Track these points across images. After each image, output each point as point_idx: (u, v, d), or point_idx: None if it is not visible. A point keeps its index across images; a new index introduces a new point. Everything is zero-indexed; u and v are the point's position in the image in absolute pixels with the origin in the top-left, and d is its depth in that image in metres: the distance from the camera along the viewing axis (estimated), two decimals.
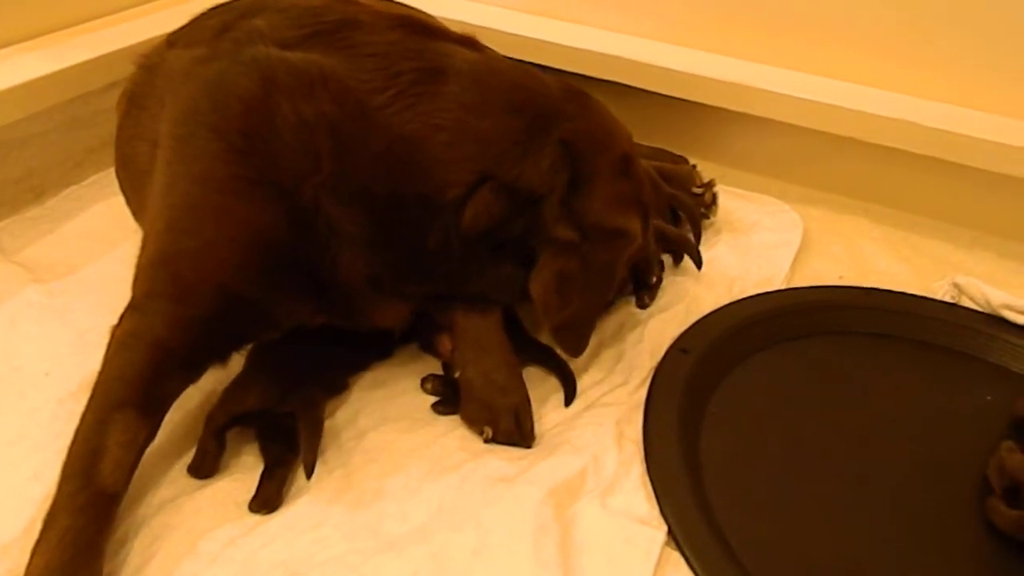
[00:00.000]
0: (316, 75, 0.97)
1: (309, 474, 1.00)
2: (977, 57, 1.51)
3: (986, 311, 1.32)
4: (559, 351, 1.18)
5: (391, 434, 1.09)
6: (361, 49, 1.00)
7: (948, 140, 1.47)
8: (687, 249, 1.39)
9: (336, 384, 1.13)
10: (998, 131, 1.47)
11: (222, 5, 1.14)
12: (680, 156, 1.65)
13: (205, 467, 1.00)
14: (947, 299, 1.36)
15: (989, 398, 1.22)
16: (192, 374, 1.00)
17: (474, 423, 1.09)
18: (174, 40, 1.15)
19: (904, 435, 1.17)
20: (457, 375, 1.12)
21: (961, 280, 1.36)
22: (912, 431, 1.17)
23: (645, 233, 1.11)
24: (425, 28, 1.06)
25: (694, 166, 1.60)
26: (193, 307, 0.97)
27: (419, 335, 1.21)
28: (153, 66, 1.14)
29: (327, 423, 1.09)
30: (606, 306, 1.25)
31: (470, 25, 1.69)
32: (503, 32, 1.71)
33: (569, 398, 1.16)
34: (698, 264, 1.38)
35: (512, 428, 1.07)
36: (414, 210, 1.00)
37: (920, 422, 1.19)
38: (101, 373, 0.94)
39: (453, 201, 0.99)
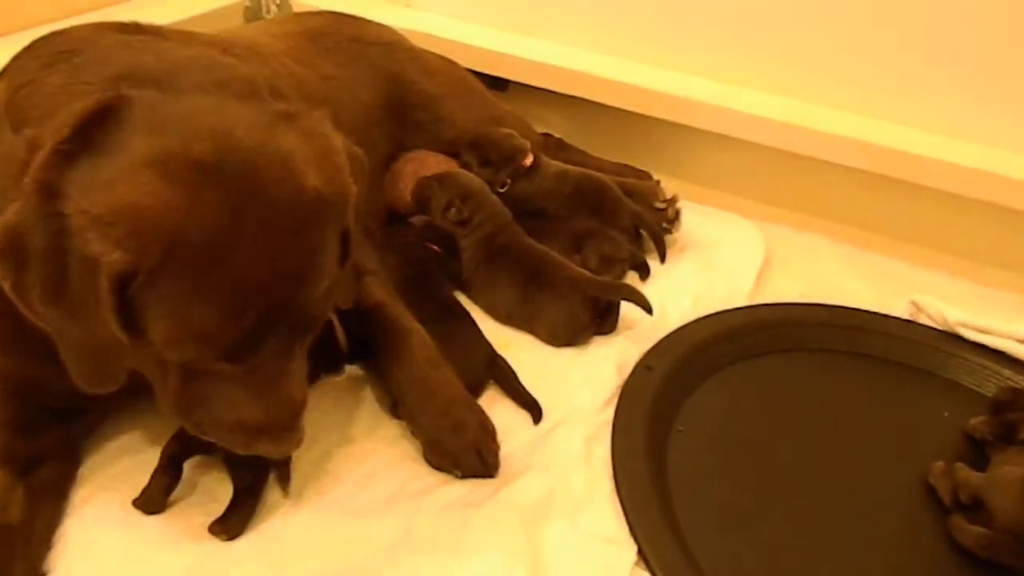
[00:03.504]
0: None
1: (285, 487, 0.98)
2: (935, 81, 1.55)
3: (943, 328, 1.35)
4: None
5: (356, 455, 1.07)
6: None
7: (907, 161, 1.51)
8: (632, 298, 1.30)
9: None
10: (955, 153, 1.51)
11: None
12: (644, 172, 1.66)
13: (155, 500, 0.97)
14: (905, 316, 1.39)
15: (946, 414, 1.24)
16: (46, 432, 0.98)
17: (441, 468, 1.07)
18: None
19: (865, 450, 1.18)
20: (412, 431, 1.09)
21: (919, 298, 1.38)
22: (873, 446, 1.19)
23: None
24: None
25: (658, 182, 1.61)
26: None
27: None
28: None
29: None
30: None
31: (439, 39, 1.70)
32: (472, 47, 1.71)
33: (536, 417, 1.15)
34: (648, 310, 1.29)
35: (476, 464, 1.05)
36: None
37: (880, 437, 1.21)
38: None
39: None
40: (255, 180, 0.79)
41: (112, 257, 0.74)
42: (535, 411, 1.15)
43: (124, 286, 0.76)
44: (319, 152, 0.85)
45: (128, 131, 0.78)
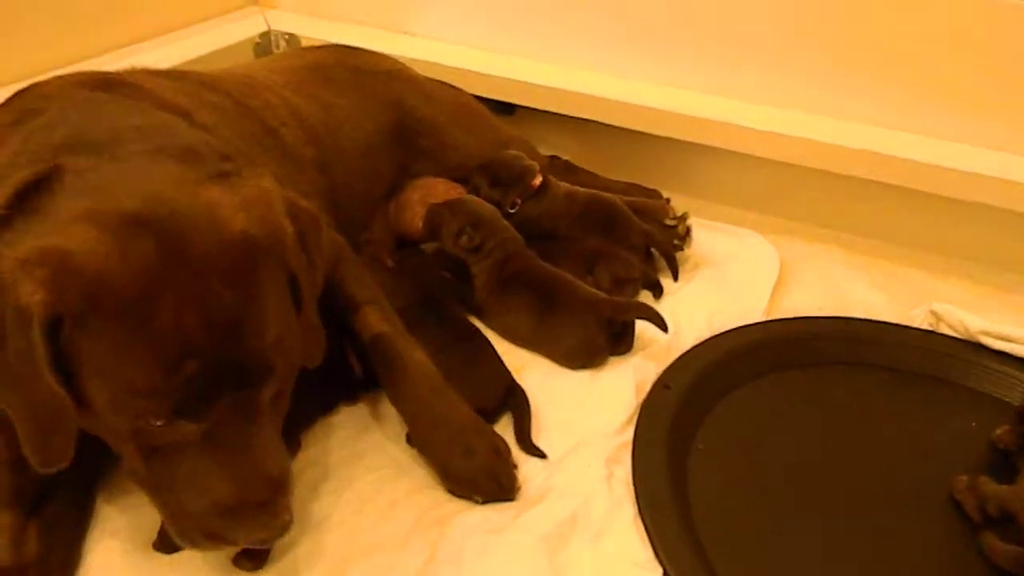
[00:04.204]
0: None
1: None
2: (947, 89, 1.54)
3: (964, 337, 1.33)
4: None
5: (376, 484, 1.06)
6: None
7: (918, 170, 1.50)
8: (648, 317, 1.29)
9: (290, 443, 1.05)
10: (967, 160, 1.50)
11: None
12: (653, 190, 1.66)
13: (170, 541, 0.93)
14: (925, 326, 1.37)
15: (973, 424, 1.22)
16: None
17: (462, 496, 1.06)
18: None
19: (890, 465, 1.16)
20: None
21: (938, 307, 1.36)
22: (899, 460, 1.17)
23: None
24: None
25: (667, 200, 1.61)
26: None
27: None
28: None
29: (309, 474, 1.06)
30: None
31: (444, 66, 1.71)
32: (476, 72, 1.72)
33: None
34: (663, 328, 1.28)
35: (493, 487, 1.05)
36: None
37: (905, 451, 1.19)
38: None
39: None
40: (181, 230, 0.81)
41: (36, 297, 0.75)
42: (539, 455, 1.13)
43: (55, 332, 0.77)
44: (246, 198, 0.87)
45: (60, 196, 0.82)
